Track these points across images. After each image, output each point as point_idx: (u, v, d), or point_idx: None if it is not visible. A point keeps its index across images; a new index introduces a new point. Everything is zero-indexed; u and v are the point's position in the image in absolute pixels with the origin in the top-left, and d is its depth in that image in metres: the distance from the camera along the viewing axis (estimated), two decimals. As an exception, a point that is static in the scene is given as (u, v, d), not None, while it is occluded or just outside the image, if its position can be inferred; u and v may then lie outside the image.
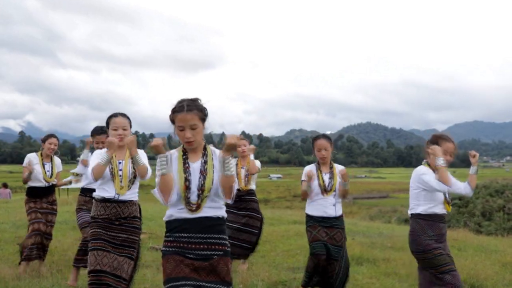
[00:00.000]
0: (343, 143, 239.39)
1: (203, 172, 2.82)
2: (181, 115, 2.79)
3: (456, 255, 5.71)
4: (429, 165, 4.15)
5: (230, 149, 2.73)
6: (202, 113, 2.84)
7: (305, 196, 4.72)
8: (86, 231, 5.05)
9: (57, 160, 6.12)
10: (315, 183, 4.67)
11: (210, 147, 2.97)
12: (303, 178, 4.74)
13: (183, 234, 2.78)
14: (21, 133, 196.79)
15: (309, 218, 4.74)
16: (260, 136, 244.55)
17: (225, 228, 2.91)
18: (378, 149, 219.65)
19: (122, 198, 4.09)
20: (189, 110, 2.79)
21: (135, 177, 4.16)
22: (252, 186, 6.11)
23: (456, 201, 24.54)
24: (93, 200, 4.18)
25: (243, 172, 6.04)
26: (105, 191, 4.07)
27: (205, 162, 2.86)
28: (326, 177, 4.72)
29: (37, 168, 5.83)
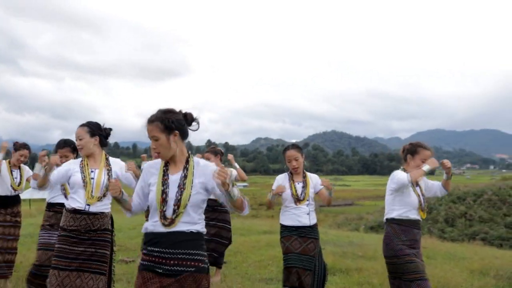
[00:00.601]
0: (308, 152, 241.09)
1: (181, 187, 2.72)
2: (146, 126, 2.81)
3: (426, 263, 5.79)
4: (405, 171, 4.19)
5: (224, 184, 2.66)
6: (164, 125, 2.74)
7: (270, 206, 4.72)
8: (39, 254, 4.85)
9: (26, 168, 5.86)
10: (287, 193, 4.64)
11: (194, 158, 2.87)
12: (274, 187, 4.72)
13: (154, 248, 2.69)
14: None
15: (283, 228, 4.70)
16: (226, 145, 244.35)
17: (202, 244, 2.80)
18: (343, 157, 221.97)
19: (92, 209, 3.90)
20: (150, 121, 2.78)
21: (107, 188, 3.95)
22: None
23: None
24: (64, 209, 4.01)
25: None
26: (75, 201, 3.89)
27: (185, 176, 2.75)
28: (298, 186, 4.68)
29: (4, 175, 5.55)
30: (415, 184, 4.12)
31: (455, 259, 7.78)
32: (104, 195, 4.00)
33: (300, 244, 4.55)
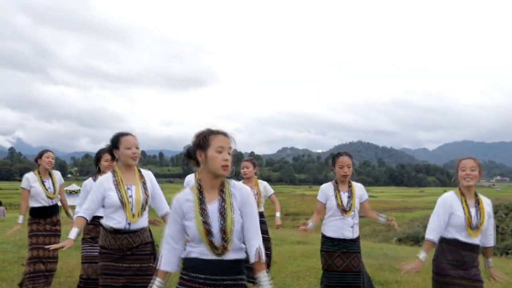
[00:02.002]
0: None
1: (223, 213, 2.60)
2: (223, 136, 2.66)
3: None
4: (461, 191, 3.96)
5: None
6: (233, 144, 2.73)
7: (305, 232, 4.57)
8: (84, 268, 4.94)
9: (56, 174, 5.89)
10: (332, 202, 4.53)
11: (229, 182, 2.74)
12: (319, 198, 4.65)
13: (200, 275, 2.59)
14: (11, 150, 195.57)
15: (325, 239, 4.58)
16: (251, 154, 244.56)
17: (243, 268, 2.69)
18: (370, 168, 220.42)
19: (134, 227, 3.78)
20: (229, 135, 2.70)
21: (146, 202, 3.89)
22: (261, 209, 5.98)
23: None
24: (101, 228, 3.88)
25: None
26: (114, 220, 3.74)
27: (223, 201, 2.63)
28: (344, 196, 4.55)
29: (37, 187, 5.60)
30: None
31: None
32: (144, 209, 3.89)
33: (342, 261, 4.46)
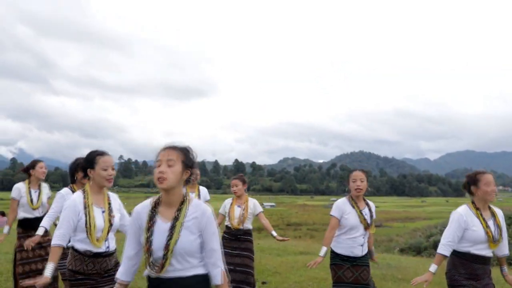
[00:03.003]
0: (336, 172, 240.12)
1: (171, 231, 2.56)
2: (163, 150, 2.67)
3: None
4: (474, 204, 4.01)
5: None
6: (185, 157, 2.65)
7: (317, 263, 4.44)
8: (67, 285, 4.73)
9: (45, 186, 5.77)
10: (351, 218, 4.48)
11: (191, 201, 2.69)
12: (335, 213, 4.54)
13: None
14: (13, 160, 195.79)
15: (335, 255, 4.56)
16: (253, 165, 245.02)
17: (209, 285, 2.65)
18: (371, 178, 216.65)
19: (111, 249, 3.68)
20: (172, 147, 2.66)
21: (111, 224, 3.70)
22: (249, 226, 6.04)
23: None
24: (72, 251, 3.62)
25: (238, 211, 5.96)
26: (90, 244, 3.55)
27: (176, 220, 2.59)
28: (365, 211, 4.55)
29: (25, 197, 5.50)
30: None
31: (499, 283, 7.59)
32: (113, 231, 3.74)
33: (352, 274, 4.46)
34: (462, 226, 3.89)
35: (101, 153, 3.71)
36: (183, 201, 2.64)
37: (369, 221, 4.52)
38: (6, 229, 5.61)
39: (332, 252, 4.61)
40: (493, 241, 3.87)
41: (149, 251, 2.55)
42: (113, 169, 3.72)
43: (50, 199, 5.76)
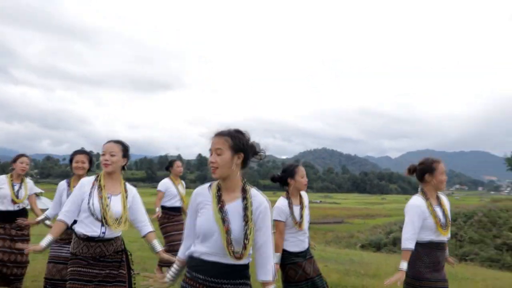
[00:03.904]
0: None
1: (245, 219, 2.51)
2: (212, 138, 2.62)
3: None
4: (424, 193, 4.02)
5: None
6: (234, 142, 2.58)
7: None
8: (49, 268, 4.77)
9: (29, 182, 5.73)
10: (288, 219, 4.30)
11: (250, 190, 2.65)
12: (279, 217, 4.29)
13: (199, 276, 2.53)
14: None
15: (289, 254, 4.34)
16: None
17: (247, 273, 2.60)
18: (333, 175, 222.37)
19: (108, 236, 3.65)
20: (220, 134, 2.60)
21: (122, 216, 3.72)
22: None
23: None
24: (73, 234, 3.72)
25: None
26: (88, 228, 3.60)
27: (246, 208, 2.55)
28: (296, 209, 4.36)
29: (5, 189, 5.45)
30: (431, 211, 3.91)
31: (457, 279, 7.80)
32: (118, 221, 3.72)
33: (309, 267, 4.37)
34: (421, 217, 3.87)
35: (107, 142, 3.80)
36: (244, 189, 2.62)
37: (298, 219, 4.34)
38: None
39: (286, 252, 4.37)
40: (441, 226, 3.87)
41: (228, 232, 2.48)
42: (112, 155, 3.71)
43: (33, 196, 5.80)
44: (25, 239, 5.56)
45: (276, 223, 4.28)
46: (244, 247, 2.48)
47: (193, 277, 2.56)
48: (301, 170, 4.43)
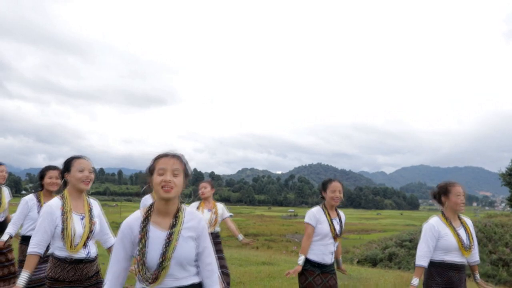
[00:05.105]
0: (294, 183, 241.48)
1: (169, 240, 2.48)
2: (167, 158, 2.53)
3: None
4: (443, 214, 4.15)
5: None
6: (186, 167, 2.59)
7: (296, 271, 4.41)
8: None
9: (5, 190, 5.67)
10: (324, 227, 4.48)
11: (185, 210, 2.63)
12: (310, 220, 4.51)
13: None
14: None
15: (306, 261, 4.52)
16: (211, 174, 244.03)
17: None
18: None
19: (92, 256, 3.61)
20: (176, 156, 2.56)
21: (91, 231, 3.63)
22: (218, 229, 6.14)
23: (406, 243, 25.05)
24: (52, 259, 3.54)
25: (208, 215, 5.99)
26: (70, 252, 3.49)
27: (173, 228, 2.51)
28: (335, 222, 4.56)
29: None
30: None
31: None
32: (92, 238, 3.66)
33: (321, 280, 4.47)
34: (435, 236, 3.98)
35: (78, 157, 3.67)
36: (178, 210, 2.57)
37: (337, 231, 4.54)
38: None
39: (306, 259, 4.57)
40: (464, 248, 3.98)
41: (142, 262, 2.43)
42: (90, 172, 3.63)
43: (8, 203, 5.67)
44: (10, 249, 5.43)
45: (305, 226, 4.55)
46: (158, 267, 2.44)
47: None
48: (332, 186, 4.59)
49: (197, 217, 2.61)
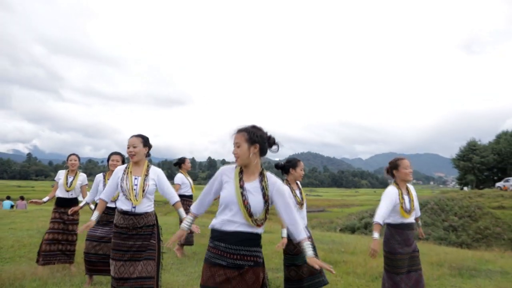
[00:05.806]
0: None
1: (260, 194, 2.52)
2: (234, 134, 2.64)
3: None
4: (397, 184, 4.02)
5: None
6: (249, 136, 2.58)
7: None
8: (86, 245, 4.93)
9: (81, 175, 5.80)
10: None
11: (266, 174, 2.64)
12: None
13: (221, 244, 2.50)
14: (28, 155, 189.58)
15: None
16: (223, 161, 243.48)
17: (260, 243, 2.58)
18: (317, 173, 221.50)
19: (138, 211, 3.75)
20: (239, 130, 2.63)
21: (144, 190, 3.80)
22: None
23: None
24: (116, 209, 3.88)
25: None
26: (124, 204, 3.76)
27: (262, 187, 2.54)
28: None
29: (61, 179, 5.64)
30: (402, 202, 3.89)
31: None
32: (147, 197, 3.83)
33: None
34: (393, 201, 3.87)
35: (129, 138, 3.92)
36: (262, 173, 2.61)
37: (301, 199, 4.29)
38: (45, 199, 5.73)
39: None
40: (405, 211, 3.89)
41: (246, 205, 2.47)
42: (134, 147, 3.82)
43: (84, 186, 5.84)
44: (75, 222, 5.67)
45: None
46: (262, 216, 2.51)
47: (216, 246, 2.54)
48: (302, 164, 4.43)
49: (273, 181, 2.61)
